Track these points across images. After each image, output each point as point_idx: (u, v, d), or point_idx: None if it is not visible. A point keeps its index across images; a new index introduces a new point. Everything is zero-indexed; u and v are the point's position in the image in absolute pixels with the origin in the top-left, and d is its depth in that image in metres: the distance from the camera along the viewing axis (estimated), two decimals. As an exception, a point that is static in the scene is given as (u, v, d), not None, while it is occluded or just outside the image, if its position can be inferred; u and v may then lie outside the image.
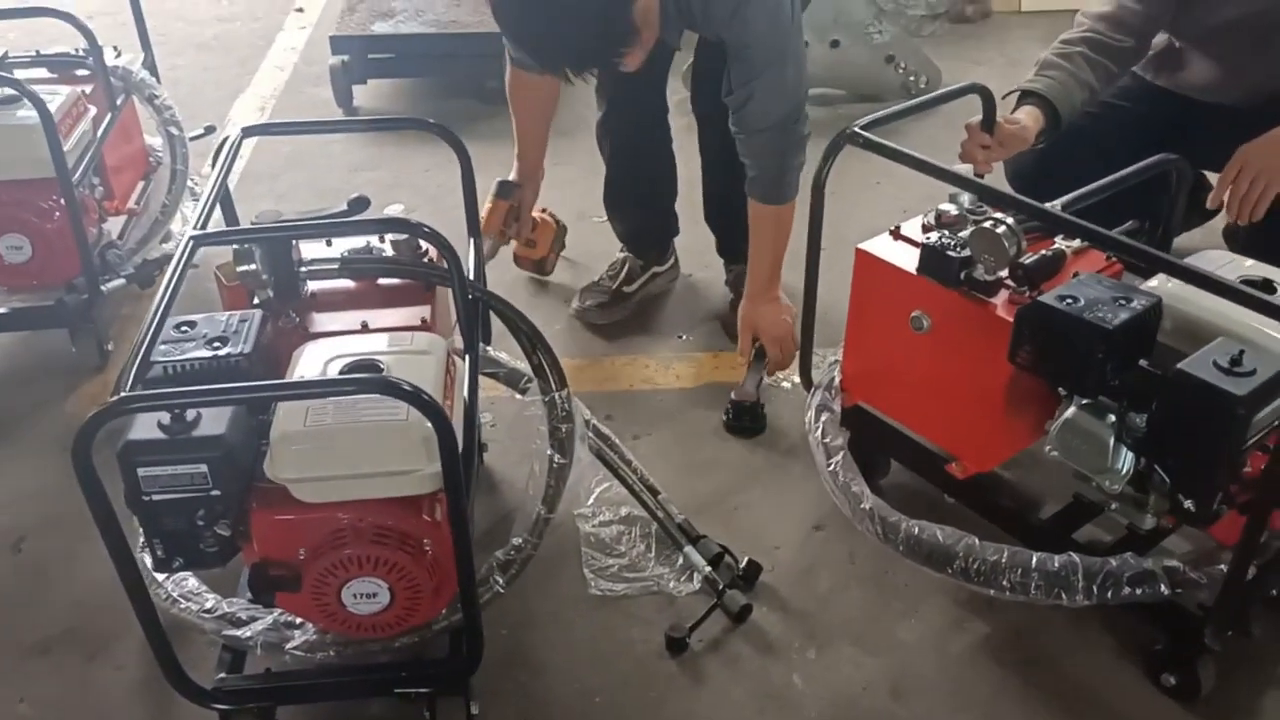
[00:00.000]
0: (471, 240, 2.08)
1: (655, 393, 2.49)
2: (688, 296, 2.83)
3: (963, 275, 1.82)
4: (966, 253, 1.81)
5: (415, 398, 1.35)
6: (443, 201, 3.00)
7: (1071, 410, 1.72)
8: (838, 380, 2.11)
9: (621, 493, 2.09)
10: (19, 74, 2.66)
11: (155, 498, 1.47)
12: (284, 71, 4.10)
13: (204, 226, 1.70)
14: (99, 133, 2.56)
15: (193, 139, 3.25)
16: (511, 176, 2.57)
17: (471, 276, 1.98)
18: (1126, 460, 1.68)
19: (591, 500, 2.12)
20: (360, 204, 1.86)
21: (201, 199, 1.77)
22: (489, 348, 2.08)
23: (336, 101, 3.74)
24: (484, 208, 2.61)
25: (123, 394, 1.34)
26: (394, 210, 1.92)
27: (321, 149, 3.46)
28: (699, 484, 2.21)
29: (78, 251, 2.40)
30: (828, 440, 2.06)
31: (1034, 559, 1.76)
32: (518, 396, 2.05)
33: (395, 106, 3.85)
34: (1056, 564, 1.74)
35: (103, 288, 2.52)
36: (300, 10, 4.61)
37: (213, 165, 1.90)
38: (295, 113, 3.78)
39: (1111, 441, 1.67)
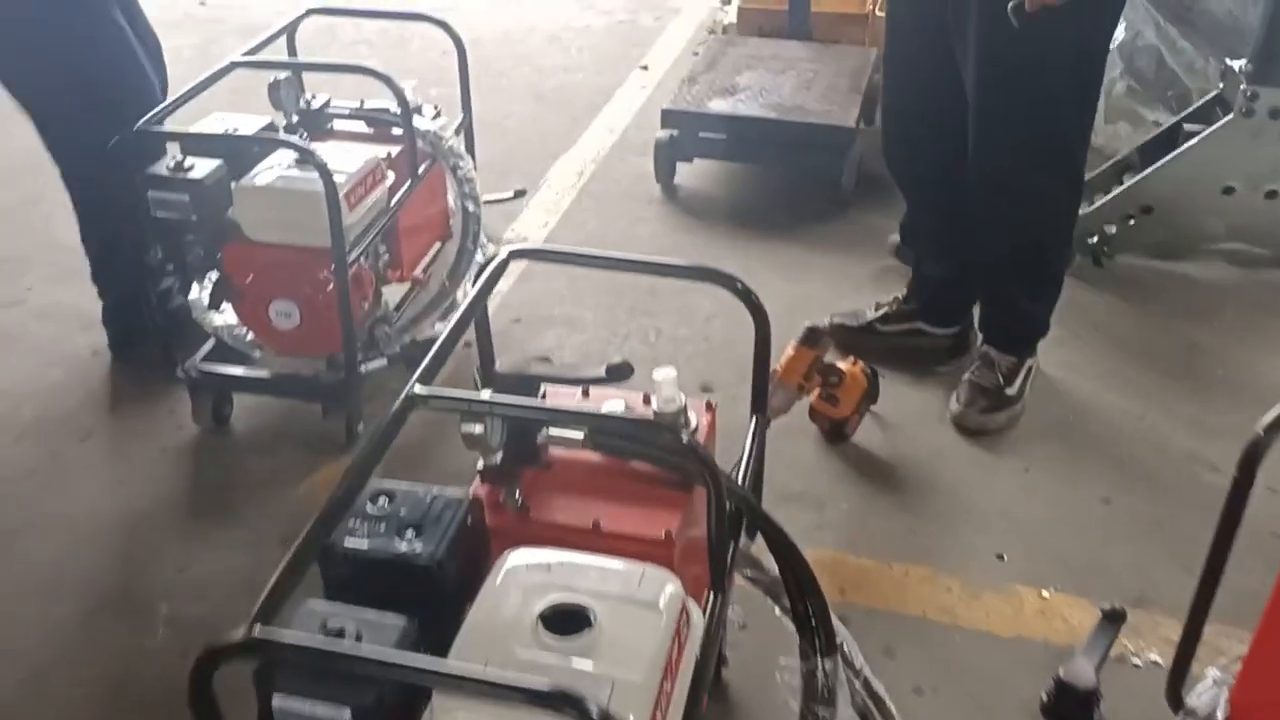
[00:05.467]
0: (754, 419, 1.68)
1: (953, 630, 1.96)
2: (1005, 500, 2.27)
3: None
4: None
5: (606, 727, 0.96)
6: (721, 355, 2.62)
7: None
8: (1223, 709, 1.51)
9: (883, 779, 1.61)
10: (337, 124, 2.58)
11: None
12: (613, 134, 3.87)
13: (430, 380, 1.39)
14: (393, 201, 2.39)
15: (500, 200, 3.08)
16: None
17: (742, 471, 1.58)
18: None
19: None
20: (623, 371, 1.51)
21: (439, 340, 1.45)
22: (751, 541, 1.68)
23: (656, 176, 3.43)
24: (785, 353, 2.21)
25: (256, 634, 1.04)
26: (665, 377, 1.54)
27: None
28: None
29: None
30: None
31: None
32: (777, 612, 1.64)
33: (719, 193, 3.51)
34: None
35: (363, 367, 2.34)
36: (645, 68, 4.40)
37: (471, 285, 1.60)
38: (613, 182, 3.53)
39: None
